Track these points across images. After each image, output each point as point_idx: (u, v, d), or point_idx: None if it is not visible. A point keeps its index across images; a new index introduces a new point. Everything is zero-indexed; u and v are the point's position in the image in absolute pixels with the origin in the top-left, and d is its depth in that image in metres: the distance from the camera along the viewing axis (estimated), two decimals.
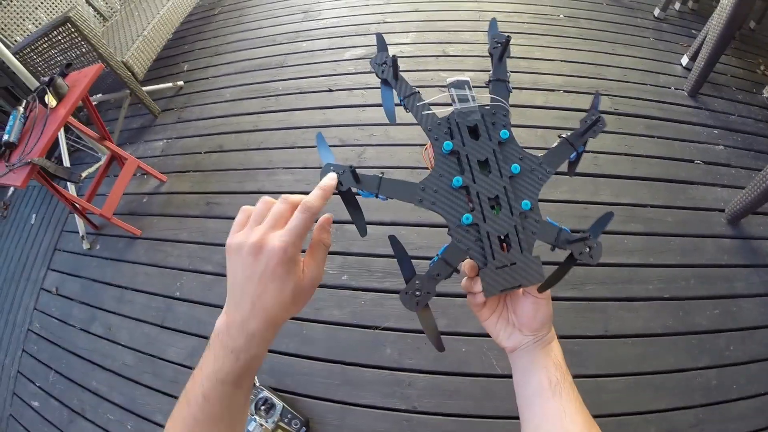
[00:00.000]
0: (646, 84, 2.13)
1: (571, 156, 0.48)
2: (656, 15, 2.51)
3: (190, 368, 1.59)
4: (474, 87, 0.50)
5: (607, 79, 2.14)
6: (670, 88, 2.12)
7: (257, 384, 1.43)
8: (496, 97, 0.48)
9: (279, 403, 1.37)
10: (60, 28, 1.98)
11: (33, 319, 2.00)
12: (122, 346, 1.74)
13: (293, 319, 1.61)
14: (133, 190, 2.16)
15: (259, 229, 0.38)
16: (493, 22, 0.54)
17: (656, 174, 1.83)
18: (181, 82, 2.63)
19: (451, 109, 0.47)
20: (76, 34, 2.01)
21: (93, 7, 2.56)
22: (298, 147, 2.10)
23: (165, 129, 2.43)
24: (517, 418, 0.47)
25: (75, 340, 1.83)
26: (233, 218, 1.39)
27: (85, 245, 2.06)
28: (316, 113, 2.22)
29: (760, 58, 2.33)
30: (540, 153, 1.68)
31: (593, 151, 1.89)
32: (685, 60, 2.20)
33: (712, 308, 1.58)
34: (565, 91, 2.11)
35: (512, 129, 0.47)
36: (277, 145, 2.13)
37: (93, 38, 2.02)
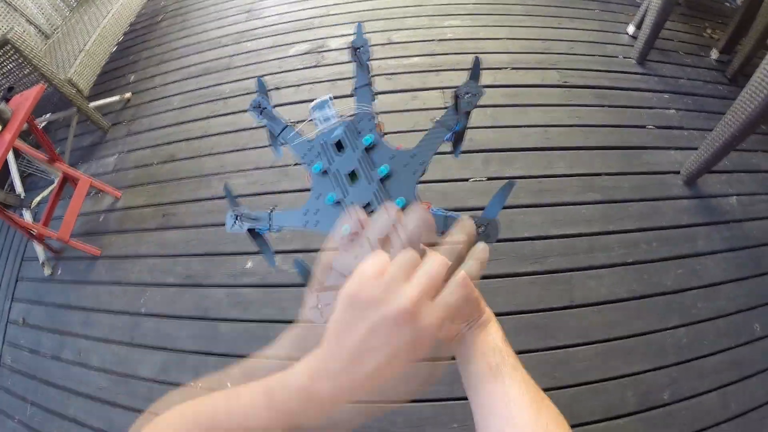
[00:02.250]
0: (594, 55, 2.13)
1: (447, 136, 0.46)
2: None
3: (164, 383, 1.56)
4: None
5: (554, 53, 2.15)
6: (618, 57, 2.13)
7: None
8: (360, 104, 0.48)
9: None
10: None
11: (4, 353, 1.93)
12: (94, 369, 1.69)
13: (259, 321, 1.59)
14: (88, 210, 2.10)
15: (409, 292, 0.30)
16: (358, 27, 0.53)
17: (609, 142, 1.83)
18: (128, 94, 2.56)
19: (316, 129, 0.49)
20: (16, 56, 1.94)
21: (34, 24, 2.48)
22: (249, 148, 2.06)
23: (116, 143, 2.38)
24: None
25: (48, 369, 1.77)
26: (191, 227, 1.31)
27: (47, 271, 1.99)
28: None
29: (705, 21, 2.36)
30: (489, 131, 1.65)
31: (544, 126, 1.89)
32: (631, 29, 2.21)
33: (676, 268, 1.58)
34: (513, 68, 2.10)
35: (379, 129, 0.47)
36: (227, 149, 2.09)
37: (34, 58, 1.96)
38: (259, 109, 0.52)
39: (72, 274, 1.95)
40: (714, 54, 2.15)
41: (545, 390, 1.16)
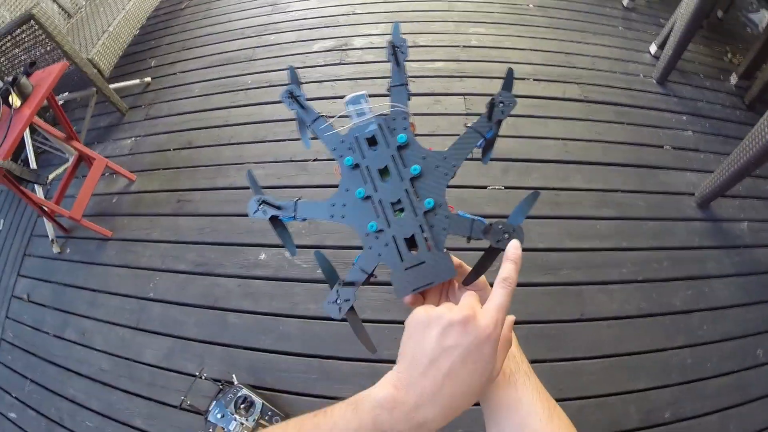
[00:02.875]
0: (616, 72, 2.15)
1: (478, 143, 0.47)
2: (625, 4, 2.54)
3: (167, 370, 1.56)
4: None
5: (576, 67, 2.16)
6: (639, 75, 2.15)
7: (235, 382, 1.40)
8: (395, 104, 0.49)
9: (258, 401, 1.34)
10: (23, 26, 1.91)
11: (5, 328, 1.92)
12: (97, 350, 1.68)
13: (269, 314, 1.58)
14: (102, 191, 2.10)
15: (461, 305, 0.34)
16: (395, 26, 0.55)
17: (627, 160, 1.84)
18: (148, 79, 2.56)
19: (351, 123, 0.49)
20: (40, 32, 1.94)
21: (57, 3, 2.48)
22: (269, 141, 2.06)
23: (133, 127, 2.37)
24: None
25: (49, 348, 1.77)
26: (205, 215, 1.33)
27: (56, 249, 1.99)
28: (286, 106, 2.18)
29: (726, 46, 2.37)
30: (509, 140, 1.67)
31: (563, 138, 1.90)
32: (653, 48, 2.23)
33: (685, 289, 1.60)
34: (535, 80, 2.11)
35: (412, 129, 0.48)
36: (247, 140, 2.09)
37: (57, 35, 1.95)
38: (292, 98, 0.52)
39: (81, 254, 1.95)
40: (733, 79, 2.17)
41: None
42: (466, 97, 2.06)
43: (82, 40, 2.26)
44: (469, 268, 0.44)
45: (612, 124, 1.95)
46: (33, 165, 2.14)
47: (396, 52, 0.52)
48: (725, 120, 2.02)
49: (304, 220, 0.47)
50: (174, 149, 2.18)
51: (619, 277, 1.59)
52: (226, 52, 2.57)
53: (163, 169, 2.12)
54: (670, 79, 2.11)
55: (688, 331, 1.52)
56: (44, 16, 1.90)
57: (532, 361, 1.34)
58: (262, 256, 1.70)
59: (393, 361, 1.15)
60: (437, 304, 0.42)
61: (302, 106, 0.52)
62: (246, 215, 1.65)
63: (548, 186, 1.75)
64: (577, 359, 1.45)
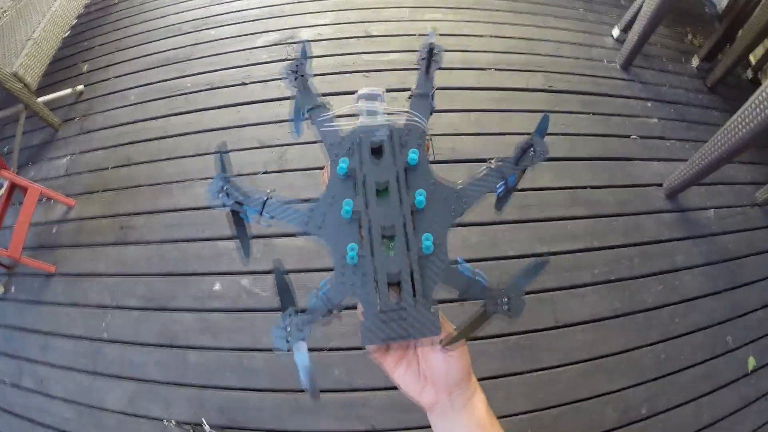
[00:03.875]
0: (579, 58, 2.13)
1: (498, 189, 0.42)
2: None
3: (133, 416, 1.49)
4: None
5: (539, 54, 2.12)
6: (602, 61, 2.13)
7: (207, 428, 1.37)
8: (413, 113, 0.43)
9: None
10: None
11: None
12: (58, 398, 1.59)
13: (231, 349, 1.53)
14: (39, 219, 1.94)
15: None
16: (432, 32, 0.49)
17: (596, 153, 1.84)
18: (81, 87, 2.35)
19: (357, 121, 0.43)
20: None
21: None
22: (213, 153, 1.92)
23: (67, 143, 2.18)
24: None
25: (7, 398, 1.66)
26: (151, 243, 1.33)
27: None
28: (230, 111, 2.05)
29: (687, 27, 2.39)
30: (472, 139, 1.59)
31: (529, 133, 1.83)
32: (616, 32, 2.22)
33: (656, 284, 1.64)
34: (497, 69, 2.06)
35: (427, 150, 0.43)
36: (189, 153, 1.96)
37: None
38: (296, 74, 0.45)
39: (26, 292, 1.81)
40: (695, 61, 2.19)
41: (529, 412, 1.17)
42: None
43: (5, 51, 2.02)
44: (450, 326, 0.39)
45: (578, 115, 1.93)
46: None
47: (432, 56, 0.47)
48: (689, 104, 2.05)
49: (270, 219, 0.40)
50: (112, 167, 2.02)
51: (591, 279, 1.60)
52: (163, 51, 2.38)
53: (103, 191, 1.96)
54: (634, 63, 2.10)
55: (661, 327, 1.57)
56: None
57: (508, 375, 1.35)
58: (217, 287, 1.62)
59: (370, 389, 1.12)
60: (402, 358, 0.40)
61: (305, 86, 0.46)
62: (197, 240, 1.52)
63: (517, 188, 1.71)
64: (553, 368, 1.47)
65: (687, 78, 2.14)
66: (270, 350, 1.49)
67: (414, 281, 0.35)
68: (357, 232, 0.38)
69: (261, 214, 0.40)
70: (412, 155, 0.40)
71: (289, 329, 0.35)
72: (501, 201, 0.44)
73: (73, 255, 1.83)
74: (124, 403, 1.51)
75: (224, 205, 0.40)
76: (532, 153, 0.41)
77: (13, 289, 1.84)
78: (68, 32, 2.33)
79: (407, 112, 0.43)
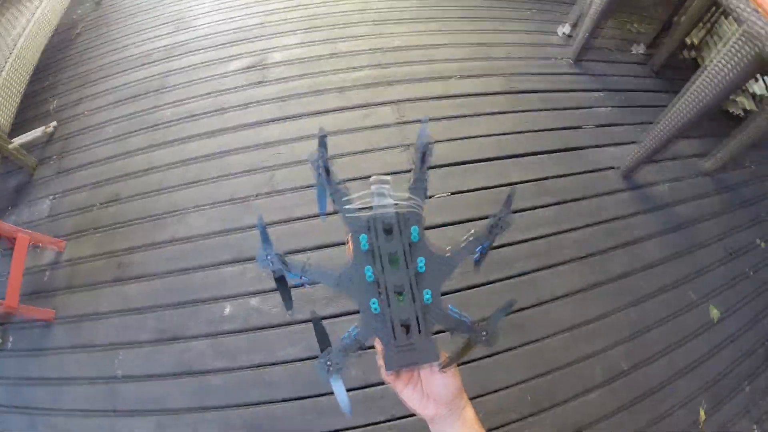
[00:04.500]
0: (534, 58, 2.37)
1: (476, 254, 0.58)
2: None
3: None
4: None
5: (497, 58, 2.35)
6: (555, 58, 2.39)
7: None
8: (414, 200, 0.57)
9: None
10: None
11: None
12: None
13: (250, 367, 1.67)
14: (29, 266, 1.99)
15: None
16: (423, 126, 0.61)
17: (555, 145, 2.09)
18: (53, 124, 2.40)
19: (371, 205, 0.57)
20: None
21: None
22: (202, 182, 2.06)
23: (47, 184, 2.24)
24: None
25: None
26: (153, 277, 1.61)
27: None
28: (213, 140, 2.17)
29: (630, 15, 2.66)
30: (445, 145, 1.86)
31: (495, 135, 2.11)
32: (567, 28, 2.47)
33: (622, 256, 1.91)
34: (460, 77, 2.28)
35: (423, 226, 0.57)
36: (177, 183, 2.07)
37: None
38: (320, 162, 0.57)
39: (26, 342, 1.87)
40: (641, 48, 2.47)
41: (528, 380, 1.43)
42: (397, 104, 2.19)
43: None
44: (445, 354, 0.54)
45: (538, 112, 2.18)
46: None
47: (426, 149, 0.58)
48: (636, 90, 2.32)
49: (311, 283, 0.54)
50: (100, 205, 2.11)
51: (564, 258, 1.86)
52: (134, 83, 2.46)
53: (93, 230, 2.05)
54: (584, 57, 2.37)
55: (630, 292, 1.84)
56: None
57: (505, 351, 1.61)
58: (227, 310, 1.76)
59: (381, 384, 1.27)
60: (409, 382, 0.56)
61: (328, 176, 0.57)
62: (200, 268, 1.67)
63: (490, 185, 1.96)
64: (542, 339, 1.71)
65: (634, 65, 2.41)
66: (288, 362, 1.65)
67: (419, 323, 0.52)
68: (376, 289, 0.53)
69: (301, 278, 0.54)
70: (414, 232, 0.55)
71: (329, 363, 0.51)
72: (477, 263, 0.59)
73: (70, 298, 1.90)
74: None
75: (272, 271, 0.53)
76: (500, 225, 0.57)
77: (11, 340, 1.88)
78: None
79: (409, 196, 0.56)
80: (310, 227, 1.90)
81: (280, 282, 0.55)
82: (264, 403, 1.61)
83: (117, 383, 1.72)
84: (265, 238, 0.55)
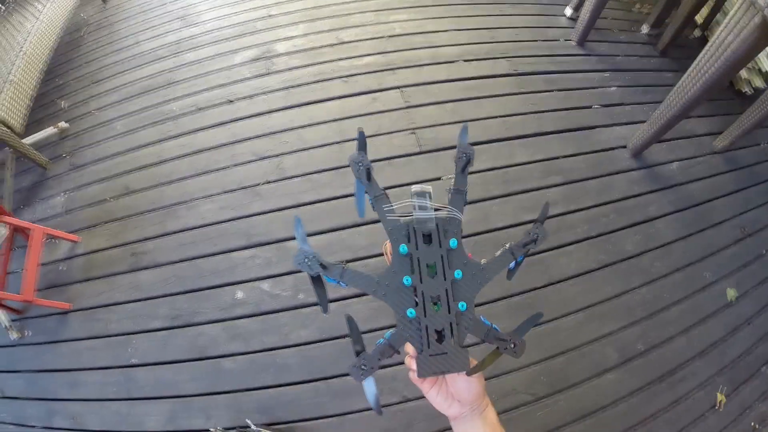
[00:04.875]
0: (538, 40, 2.35)
1: (511, 265, 0.58)
2: None
3: None
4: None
5: (501, 41, 2.33)
6: (559, 40, 2.36)
7: (252, 427, 1.48)
8: (452, 208, 0.57)
9: None
10: None
11: None
12: None
13: (262, 351, 1.68)
14: (46, 259, 2.03)
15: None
16: (464, 130, 0.61)
17: (562, 126, 2.06)
18: (63, 124, 2.43)
19: (411, 213, 0.58)
20: None
21: None
22: (212, 171, 2.07)
23: (60, 181, 2.28)
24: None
25: None
26: (166, 264, 1.58)
27: (13, 335, 1.92)
28: (221, 130, 2.19)
29: None
30: (452, 127, 1.82)
31: (501, 116, 2.08)
32: (569, 11, 2.44)
33: (633, 234, 1.87)
34: (464, 61, 2.26)
35: (461, 235, 0.58)
36: (187, 174, 2.09)
37: None
38: (360, 165, 0.57)
39: (43, 334, 1.90)
40: (645, 29, 2.43)
41: (540, 361, 1.39)
42: (402, 89, 2.18)
43: None
44: (474, 360, 0.55)
45: (543, 94, 2.15)
46: None
47: (466, 158, 0.59)
48: (642, 70, 2.28)
49: (347, 286, 0.54)
50: (111, 198, 2.14)
51: (574, 237, 1.82)
52: (142, 79, 2.50)
53: (106, 222, 2.07)
54: (588, 38, 2.34)
55: (642, 272, 1.80)
56: None
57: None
58: (239, 295, 1.77)
59: (396, 364, 1.39)
60: (434, 383, 0.58)
61: (369, 179, 0.57)
62: (211, 255, 1.67)
63: (497, 165, 1.93)
64: (554, 320, 1.68)
65: (639, 45, 2.37)
66: (300, 344, 1.65)
67: (452, 332, 0.53)
68: (413, 297, 0.54)
69: (339, 283, 0.54)
70: (453, 242, 0.55)
71: (363, 367, 0.51)
72: (510, 273, 0.59)
73: (86, 289, 1.93)
74: (164, 422, 1.61)
75: (310, 274, 0.53)
76: (534, 240, 0.57)
77: (28, 333, 1.91)
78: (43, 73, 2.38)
79: (447, 207, 0.57)
80: (319, 211, 1.89)
81: (317, 282, 0.55)
82: (277, 386, 1.61)
83: (132, 370, 1.74)
84: (303, 240, 0.54)
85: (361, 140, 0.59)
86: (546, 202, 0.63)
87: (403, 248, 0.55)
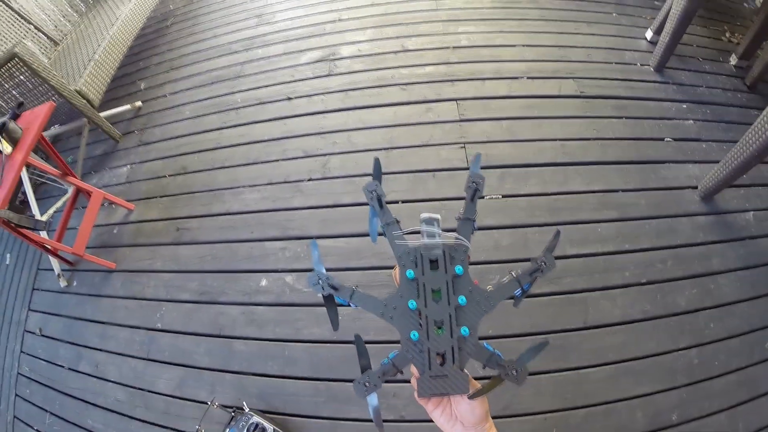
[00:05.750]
0: (612, 62, 2.13)
1: (517, 292, 0.56)
2: None
3: (180, 399, 1.64)
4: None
5: (571, 60, 2.14)
6: (636, 64, 2.13)
7: (246, 410, 1.47)
8: (459, 237, 0.56)
9: (269, 427, 1.42)
10: (8, 64, 1.94)
11: (21, 362, 2.02)
12: (112, 382, 1.77)
13: (274, 340, 1.66)
14: (102, 221, 2.17)
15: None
16: (477, 159, 0.61)
17: (627, 156, 1.85)
18: (139, 103, 2.60)
19: (419, 240, 0.57)
20: (24, 69, 1.97)
21: (43, 32, 2.50)
22: (262, 162, 2.10)
23: (128, 154, 2.42)
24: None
25: (65, 381, 1.86)
26: (204, 243, 1.66)
27: (62, 283, 2.07)
28: (277, 124, 2.22)
29: (724, 24, 2.33)
30: (505, 146, 1.67)
31: (560, 139, 1.91)
32: (649, 34, 2.20)
33: (690, 288, 1.62)
34: (528, 78, 2.11)
35: (468, 262, 0.56)
36: (240, 162, 2.13)
37: (43, 71, 1.99)
38: (373, 193, 0.58)
39: (88, 286, 2.03)
40: (733, 60, 2.14)
41: (558, 410, 1.20)
42: (458, 102, 2.07)
43: (69, 70, 2.29)
44: (476, 383, 0.54)
45: (610, 120, 1.94)
46: (32, 199, 2.20)
47: (477, 186, 0.58)
48: (726, 105, 2.00)
49: (356, 307, 0.55)
50: (169, 175, 2.23)
51: (622, 281, 1.61)
52: (215, 69, 2.59)
53: (160, 196, 2.17)
54: (668, 65, 2.08)
55: (694, 331, 1.55)
56: (28, 53, 1.93)
57: (537, 373, 1.40)
58: (263, 283, 1.76)
59: (400, 381, 1.22)
60: (439, 404, 0.56)
61: (382, 207, 0.58)
62: (246, 241, 1.66)
63: (547, 191, 1.77)
64: (582, 368, 1.49)
65: (725, 77, 2.10)
66: (311, 341, 1.61)
67: (454, 356, 0.52)
68: (418, 320, 0.54)
69: (349, 304, 0.55)
70: (458, 269, 0.55)
71: (366, 384, 0.52)
72: (517, 300, 0.57)
73: (131, 253, 2.04)
74: (173, 386, 1.67)
75: (323, 294, 0.55)
76: (543, 266, 0.55)
77: (75, 283, 2.07)
78: (125, 55, 2.55)
79: (455, 235, 0.57)
80: (355, 214, 1.85)
81: (328, 301, 0.56)
82: (280, 376, 1.59)
83: (156, 333, 1.81)
84: (318, 262, 0.56)
85: (377, 169, 0.60)
86: (557, 230, 0.60)
87: (410, 273, 0.55)
